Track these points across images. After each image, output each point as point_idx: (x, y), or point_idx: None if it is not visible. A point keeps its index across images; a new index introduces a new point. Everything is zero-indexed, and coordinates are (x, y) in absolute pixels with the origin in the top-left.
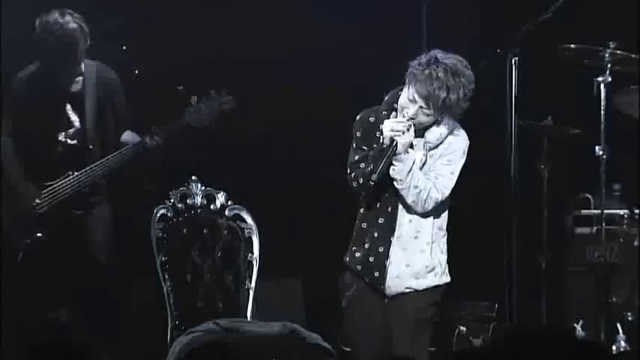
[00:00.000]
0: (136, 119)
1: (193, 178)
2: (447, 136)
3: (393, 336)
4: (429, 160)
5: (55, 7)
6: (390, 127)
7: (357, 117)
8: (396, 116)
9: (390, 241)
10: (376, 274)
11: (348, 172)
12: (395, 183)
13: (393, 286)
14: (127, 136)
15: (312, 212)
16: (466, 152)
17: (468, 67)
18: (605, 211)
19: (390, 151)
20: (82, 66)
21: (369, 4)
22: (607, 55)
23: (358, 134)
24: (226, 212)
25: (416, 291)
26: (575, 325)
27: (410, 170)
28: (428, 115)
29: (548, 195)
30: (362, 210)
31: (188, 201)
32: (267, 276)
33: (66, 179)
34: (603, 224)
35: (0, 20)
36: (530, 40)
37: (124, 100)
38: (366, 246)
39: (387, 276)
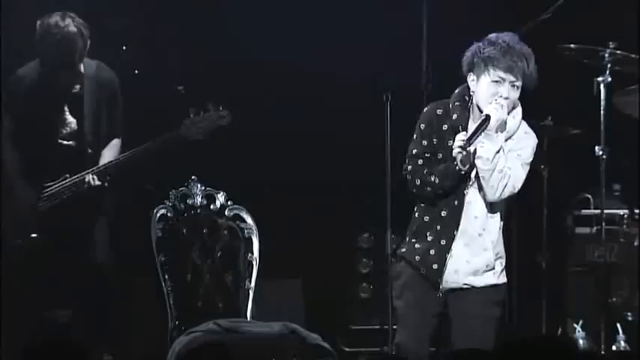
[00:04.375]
0: (136, 119)
1: (193, 178)
2: (516, 131)
3: (454, 330)
4: (503, 154)
5: (57, 7)
6: (488, 103)
7: (425, 109)
8: (469, 115)
9: (454, 235)
10: (435, 266)
11: (406, 162)
12: (479, 163)
13: (450, 280)
14: (109, 150)
15: (312, 212)
16: (535, 149)
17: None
18: (605, 211)
19: (483, 124)
20: (82, 66)
21: (369, 4)
22: (607, 55)
23: (422, 126)
24: (226, 212)
25: (474, 287)
26: (575, 325)
27: (498, 151)
28: (517, 90)
29: (548, 195)
30: (422, 203)
31: (188, 201)
32: (266, 276)
33: (63, 182)
34: (603, 224)
35: (0, 20)
36: (530, 40)
37: (120, 101)
38: (429, 238)
39: (446, 270)
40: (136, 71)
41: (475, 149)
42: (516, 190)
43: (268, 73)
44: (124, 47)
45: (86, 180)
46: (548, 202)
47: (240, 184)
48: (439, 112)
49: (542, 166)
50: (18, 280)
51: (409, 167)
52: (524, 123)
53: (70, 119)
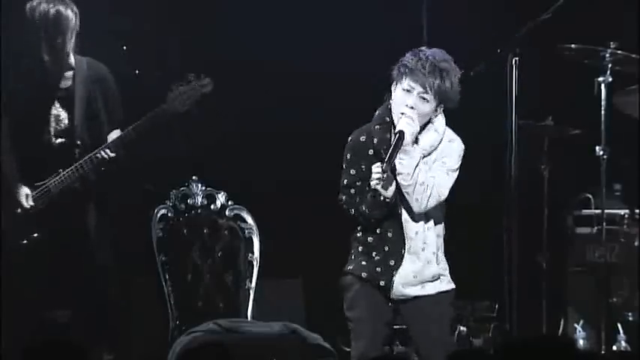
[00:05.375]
0: (135, 119)
1: (194, 178)
2: (440, 142)
3: (411, 335)
4: (424, 166)
5: None
6: (399, 113)
7: (349, 138)
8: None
9: (403, 255)
10: (382, 283)
11: (339, 194)
12: (400, 179)
13: (399, 294)
14: (114, 136)
15: (312, 212)
16: (461, 156)
17: (452, 59)
18: (606, 211)
19: (398, 142)
20: (72, 61)
21: (369, 4)
22: (607, 55)
23: (349, 156)
24: (227, 212)
25: (422, 295)
26: (576, 325)
27: (417, 165)
28: (427, 102)
29: (548, 195)
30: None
31: (189, 201)
32: (267, 276)
33: (56, 177)
34: (604, 224)
35: (0, 20)
36: (531, 40)
37: (116, 94)
38: (376, 258)
39: (394, 285)
40: (137, 71)
41: (394, 168)
42: (442, 198)
43: (269, 73)
44: (124, 47)
45: (99, 156)
46: (548, 202)
47: (241, 184)
48: (362, 138)
49: (542, 166)
50: (18, 280)
51: (343, 198)
52: (448, 131)
53: (62, 116)
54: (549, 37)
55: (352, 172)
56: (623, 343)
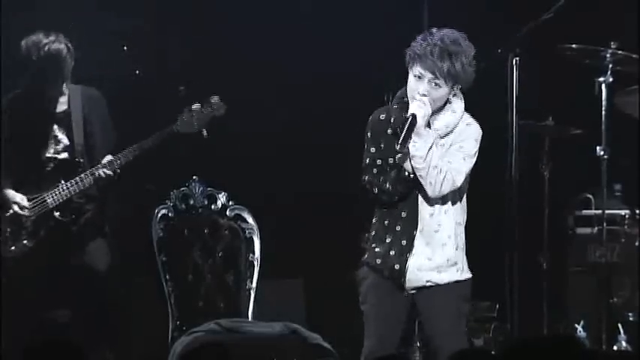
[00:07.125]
0: (137, 120)
1: (194, 178)
2: (457, 125)
3: (425, 329)
4: (440, 149)
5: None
6: (412, 97)
7: (369, 117)
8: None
9: (414, 235)
10: (397, 266)
11: (363, 175)
12: (414, 162)
13: (414, 279)
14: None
15: (312, 212)
16: (479, 141)
17: (464, 37)
18: (606, 212)
19: (411, 125)
20: (66, 89)
21: (369, 4)
22: (608, 55)
23: (369, 135)
24: (227, 212)
25: (438, 285)
26: (577, 325)
27: (430, 148)
28: (439, 88)
29: (549, 195)
30: (382, 208)
31: (189, 201)
32: (267, 276)
33: (56, 189)
34: (604, 224)
35: (0, 20)
36: (531, 40)
37: (108, 118)
38: (388, 240)
39: (408, 269)
40: (137, 72)
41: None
42: (458, 184)
43: (270, 73)
44: (125, 47)
45: (97, 174)
46: (549, 202)
47: (242, 184)
48: (382, 117)
49: (543, 166)
50: (18, 280)
51: (366, 178)
52: (466, 115)
53: (61, 136)
54: (550, 37)
55: (372, 150)
56: (624, 344)
